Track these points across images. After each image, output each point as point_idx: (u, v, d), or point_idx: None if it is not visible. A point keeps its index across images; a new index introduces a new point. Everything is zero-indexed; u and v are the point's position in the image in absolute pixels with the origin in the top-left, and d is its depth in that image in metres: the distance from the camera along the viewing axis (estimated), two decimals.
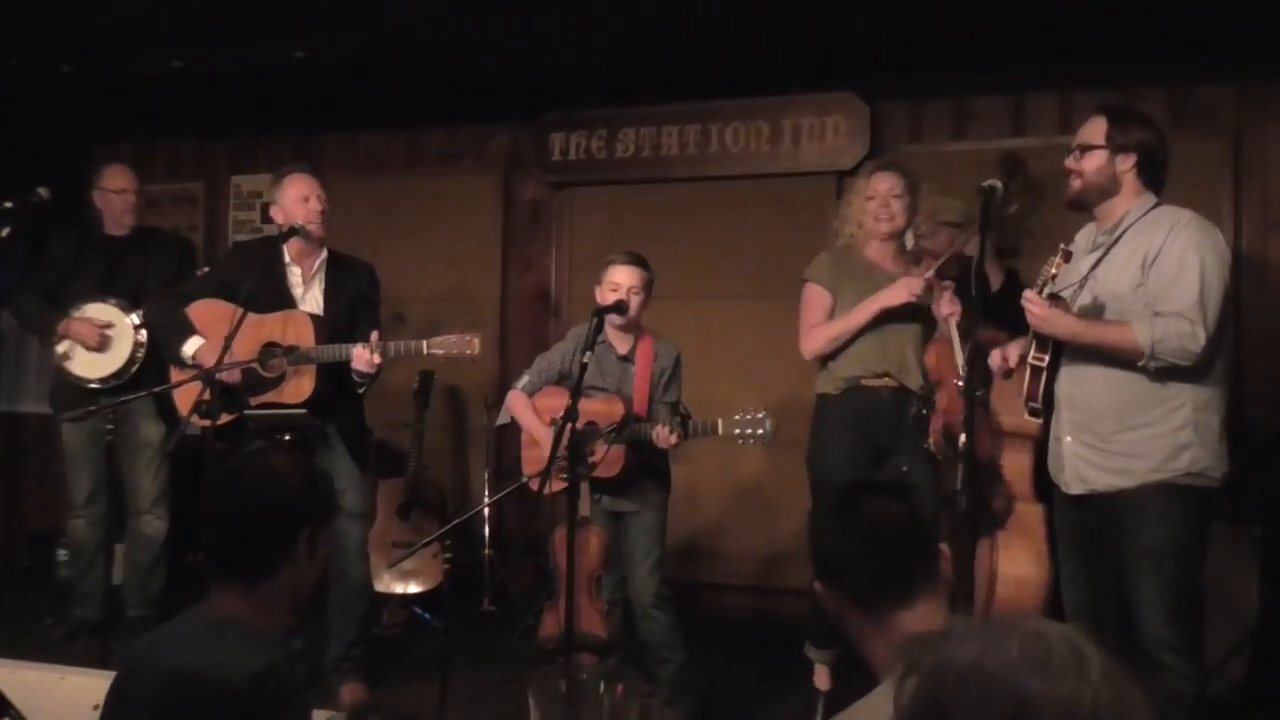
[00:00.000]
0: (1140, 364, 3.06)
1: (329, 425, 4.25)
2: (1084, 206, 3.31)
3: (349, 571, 4.29)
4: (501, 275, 6.39)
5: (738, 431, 3.74)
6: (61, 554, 6.11)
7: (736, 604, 5.75)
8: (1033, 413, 3.28)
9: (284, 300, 4.21)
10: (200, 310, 4.22)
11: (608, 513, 4.05)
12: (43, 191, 4.53)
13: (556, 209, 6.34)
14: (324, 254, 4.31)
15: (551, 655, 3.77)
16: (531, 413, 4.09)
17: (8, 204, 4.44)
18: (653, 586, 3.98)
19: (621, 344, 4.04)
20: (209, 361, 3.89)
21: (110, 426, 4.33)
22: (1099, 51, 5.10)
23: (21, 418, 7.13)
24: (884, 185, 4.00)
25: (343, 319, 4.20)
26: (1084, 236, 3.37)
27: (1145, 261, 3.11)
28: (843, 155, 5.71)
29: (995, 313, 3.75)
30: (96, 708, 2.73)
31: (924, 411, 4.19)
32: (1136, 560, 3.10)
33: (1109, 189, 3.23)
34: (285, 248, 4.23)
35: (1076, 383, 3.23)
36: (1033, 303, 3.13)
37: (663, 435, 3.79)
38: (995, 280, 4.32)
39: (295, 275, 4.26)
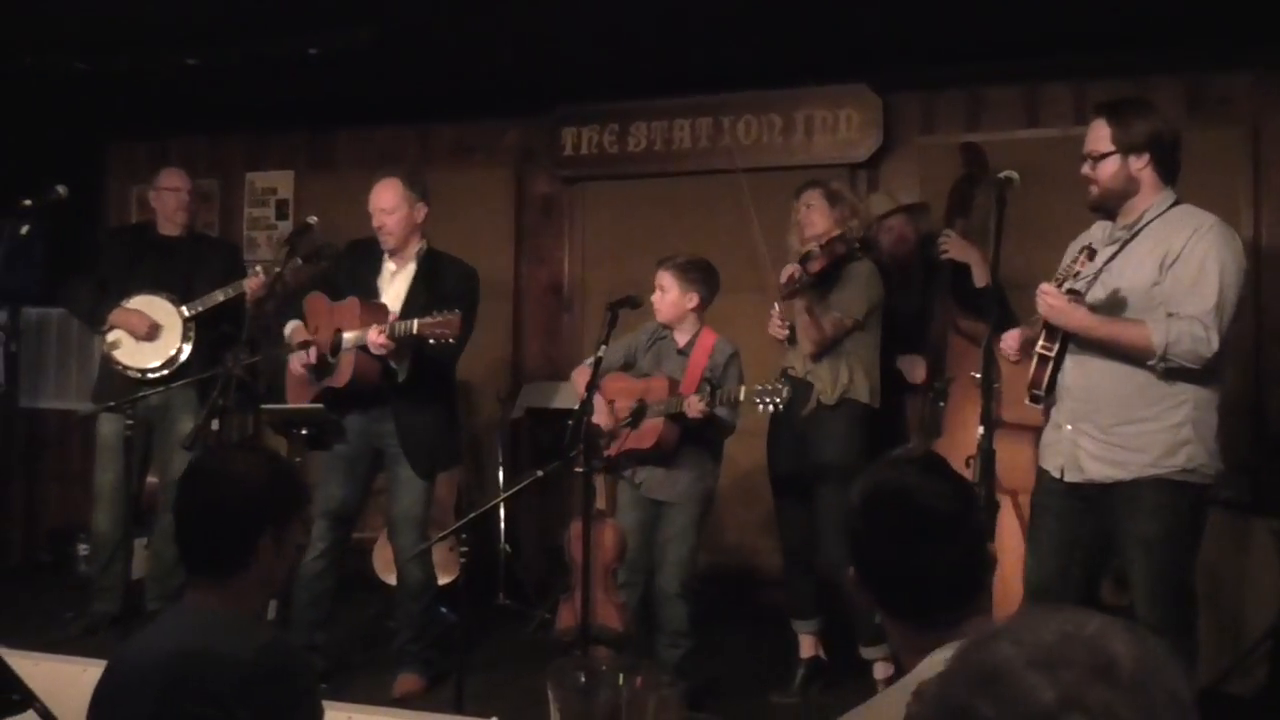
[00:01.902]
0: (1150, 363, 3.08)
1: (386, 424, 4.32)
2: (1107, 212, 3.30)
3: (404, 573, 4.42)
4: (514, 269, 6.40)
5: (757, 400, 3.88)
6: (82, 549, 6.16)
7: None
8: (1034, 399, 3.30)
9: (369, 293, 4.36)
10: (309, 303, 4.49)
11: (644, 499, 4.18)
12: (61, 189, 4.58)
13: (569, 203, 6.35)
14: (417, 250, 4.41)
15: (567, 648, 3.80)
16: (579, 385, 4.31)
17: (27, 202, 4.47)
18: (680, 576, 4.12)
19: (681, 337, 4.28)
20: (298, 340, 4.36)
21: (131, 423, 4.38)
22: (1114, 40, 5.06)
23: (42, 414, 7.18)
24: (800, 202, 4.46)
25: (421, 314, 4.16)
26: (1100, 230, 3.37)
27: (1164, 262, 3.11)
28: (856, 148, 5.71)
29: (979, 306, 3.82)
30: None
31: (940, 404, 4.26)
32: (1129, 549, 3.16)
33: (1129, 190, 3.23)
34: None
35: (1083, 372, 3.23)
36: (1048, 294, 3.14)
37: (692, 402, 3.98)
38: (981, 275, 4.33)
39: (387, 270, 4.42)
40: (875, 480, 1.67)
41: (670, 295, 4.23)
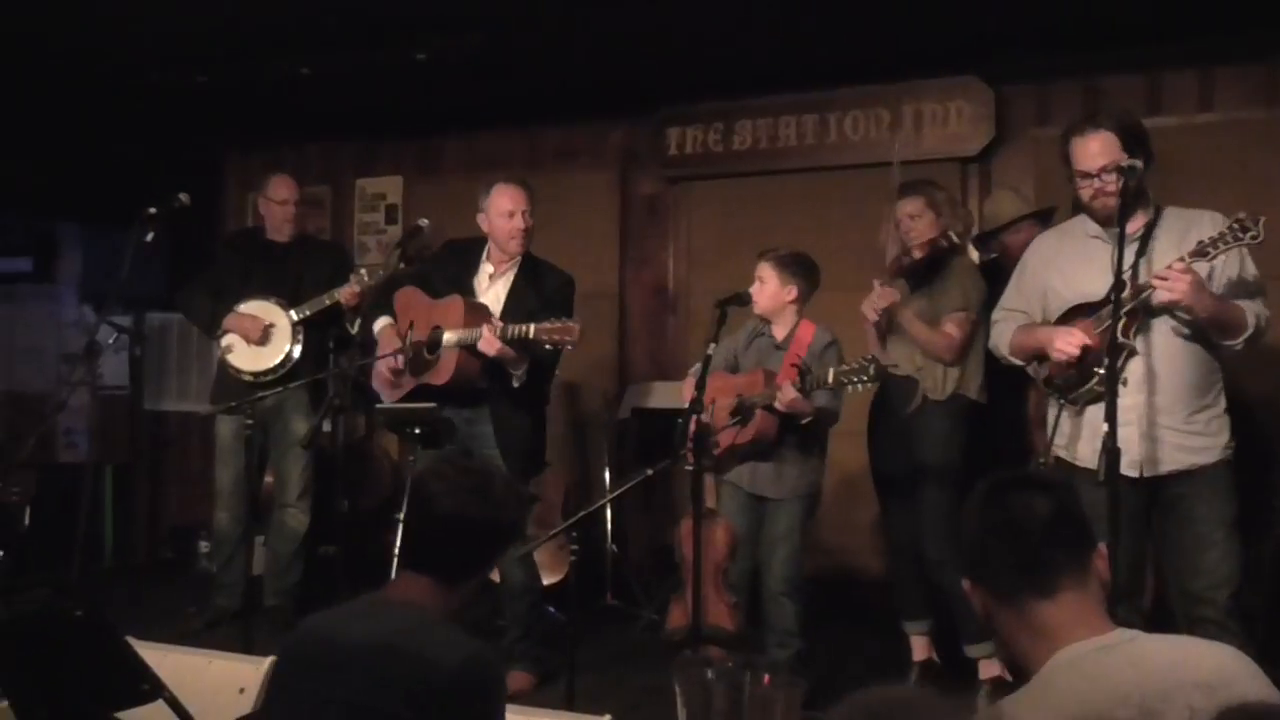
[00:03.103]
0: (1231, 343, 3.21)
1: (484, 426, 4.33)
2: (1120, 222, 3.20)
3: (507, 574, 4.43)
4: (619, 271, 6.41)
5: (845, 380, 3.85)
6: (203, 546, 6.35)
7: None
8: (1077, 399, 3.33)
9: (465, 292, 4.38)
10: (401, 296, 4.50)
11: (749, 499, 4.15)
12: (183, 197, 4.74)
13: (673, 203, 6.34)
14: (519, 257, 4.44)
15: (678, 648, 3.77)
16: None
17: (151, 210, 4.63)
18: (785, 573, 4.08)
19: (780, 331, 4.26)
20: (388, 340, 4.35)
21: (250, 422, 4.50)
22: (1238, 23, 4.86)
23: (164, 416, 7.43)
24: (903, 209, 4.34)
25: (518, 320, 4.19)
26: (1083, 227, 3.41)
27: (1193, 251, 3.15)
28: (967, 141, 5.59)
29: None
30: (242, 691, 2.84)
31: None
32: (1210, 532, 3.22)
33: (1140, 195, 3.28)
34: (487, 248, 4.46)
35: (1166, 361, 3.22)
36: (1185, 272, 3.08)
37: (786, 391, 3.95)
38: None
39: (485, 272, 4.45)
40: (991, 501, 1.70)
41: (769, 287, 4.21)
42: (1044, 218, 4.73)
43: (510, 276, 4.43)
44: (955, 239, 4.30)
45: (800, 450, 4.15)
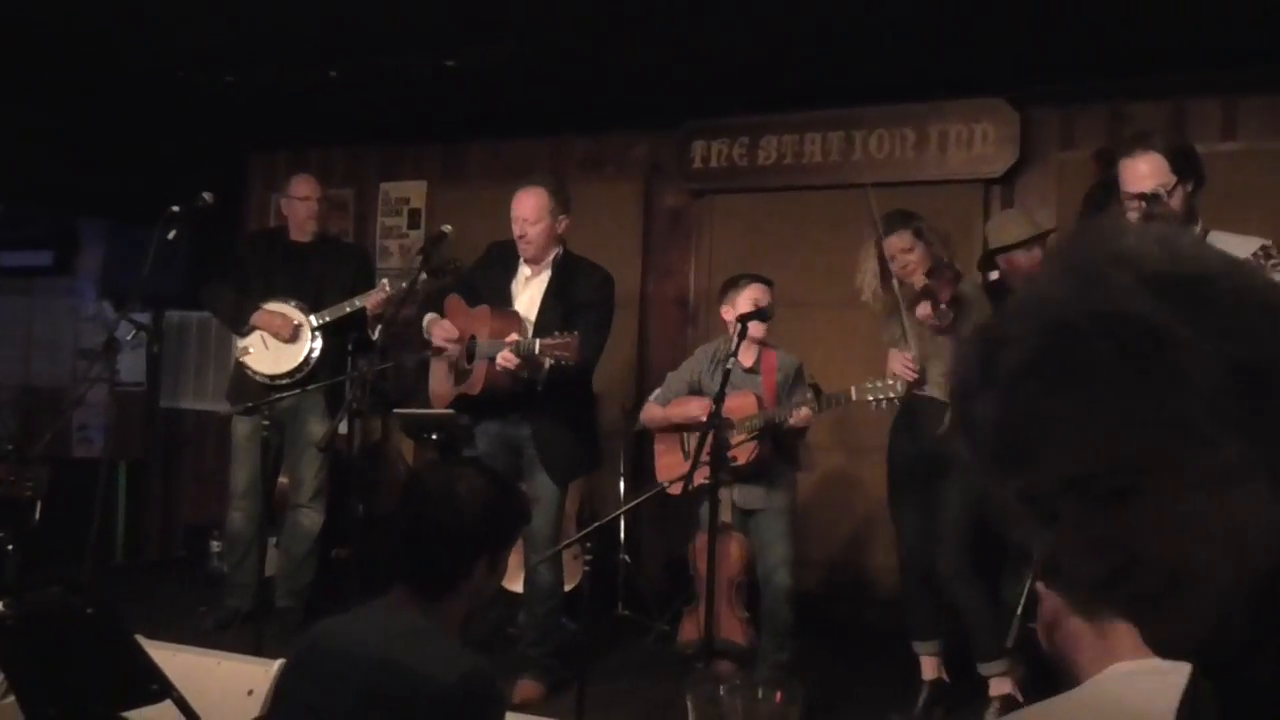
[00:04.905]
0: None
1: (523, 430, 4.35)
2: None
3: (535, 575, 4.42)
4: (640, 282, 6.41)
5: (870, 397, 3.90)
6: (215, 545, 6.36)
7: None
8: None
9: (502, 298, 4.40)
10: (450, 303, 4.55)
11: (742, 511, 4.26)
12: (207, 196, 4.76)
13: (697, 216, 6.34)
14: (553, 256, 4.43)
15: (689, 661, 3.77)
16: (673, 411, 4.40)
17: (175, 208, 4.65)
18: (784, 580, 4.15)
19: (747, 357, 4.29)
20: (438, 332, 4.36)
21: (267, 423, 4.51)
22: (1267, 53, 4.84)
23: (180, 414, 7.45)
24: (894, 245, 4.24)
25: (554, 321, 4.23)
26: None
27: None
28: (991, 163, 5.57)
29: None
30: (251, 693, 2.83)
31: None
32: None
33: (1190, 217, 3.26)
34: None
35: None
36: None
37: (803, 414, 4.06)
38: None
39: (522, 275, 4.45)
40: None
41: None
42: (1048, 238, 4.73)
43: (545, 278, 4.43)
44: (958, 267, 4.26)
45: (780, 467, 4.28)
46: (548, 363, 4.02)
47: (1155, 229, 0.84)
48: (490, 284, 4.46)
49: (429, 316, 4.52)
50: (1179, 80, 5.22)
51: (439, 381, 4.48)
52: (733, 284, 4.43)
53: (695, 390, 4.41)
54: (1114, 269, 0.77)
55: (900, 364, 4.18)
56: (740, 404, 4.19)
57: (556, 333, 4.01)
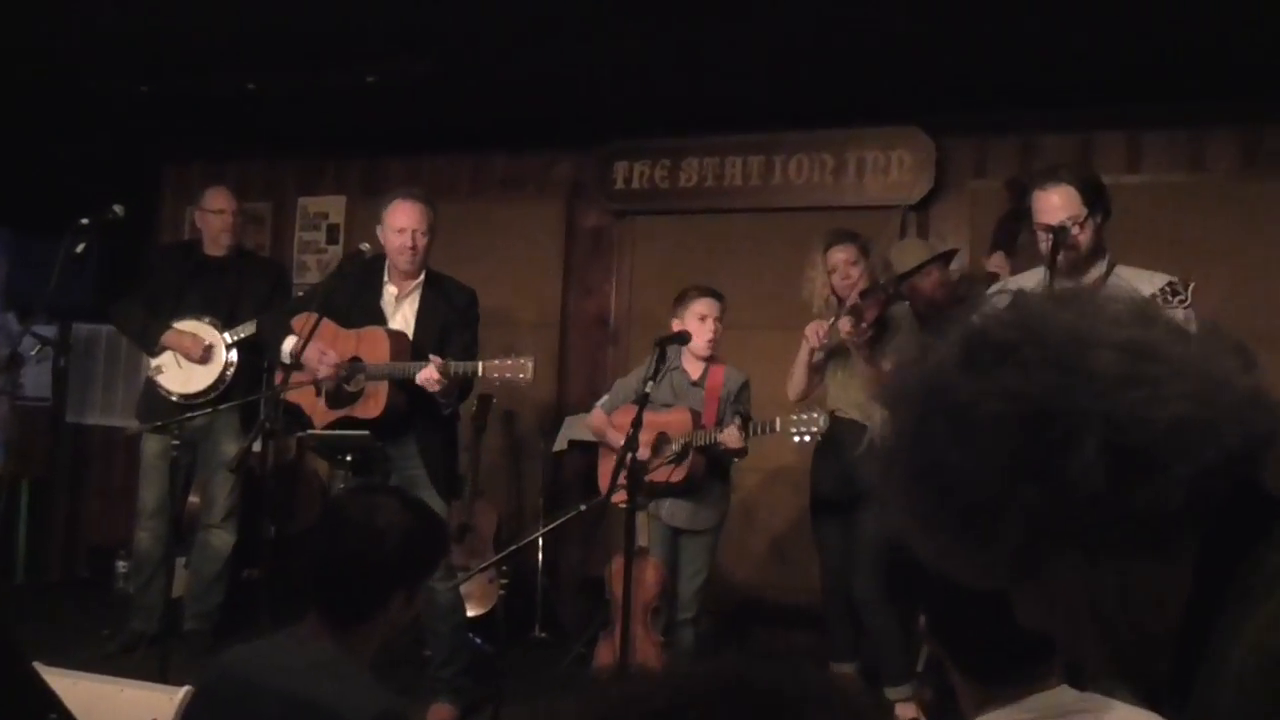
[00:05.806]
0: None
1: (409, 448, 4.27)
2: (1050, 274, 3.30)
3: (432, 594, 4.27)
4: (562, 301, 6.41)
5: (794, 430, 3.98)
6: (121, 566, 6.20)
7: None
8: None
9: (374, 316, 4.31)
10: (299, 322, 4.25)
11: (666, 526, 4.25)
12: (118, 209, 4.63)
13: (618, 237, 6.36)
14: (422, 275, 4.36)
15: (605, 684, 3.76)
16: (610, 428, 4.38)
17: (84, 221, 4.53)
18: (699, 602, 4.21)
19: (694, 369, 4.36)
20: (314, 356, 4.10)
21: (177, 443, 4.41)
22: (1170, 90, 5.02)
23: (87, 430, 7.25)
24: (840, 256, 4.40)
25: (430, 340, 4.20)
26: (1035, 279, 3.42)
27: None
28: (908, 189, 5.67)
29: None
30: None
31: None
32: None
33: (1098, 249, 3.36)
34: (386, 266, 4.34)
35: None
36: None
37: (731, 434, 4.07)
38: None
39: (389, 293, 4.35)
40: None
41: (715, 326, 4.34)
42: (947, 259, 4.86)
43: (416, 297, 4.36)
44: (890, 285, 4.37)
45: (712, 484, 4.30)
46: (495, 379, 4.06)
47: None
48: (359, 303, 4.31)
49: (291, 342, 4.18)
50: (1087, 114, 5.39)
51: (307, 404, 4.34)
52: (682, 297, 4.46)
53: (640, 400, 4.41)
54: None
55: (812, 329, 4.33)
56: (676, 419, 4.22)
57: (502, 356, 4.05)
